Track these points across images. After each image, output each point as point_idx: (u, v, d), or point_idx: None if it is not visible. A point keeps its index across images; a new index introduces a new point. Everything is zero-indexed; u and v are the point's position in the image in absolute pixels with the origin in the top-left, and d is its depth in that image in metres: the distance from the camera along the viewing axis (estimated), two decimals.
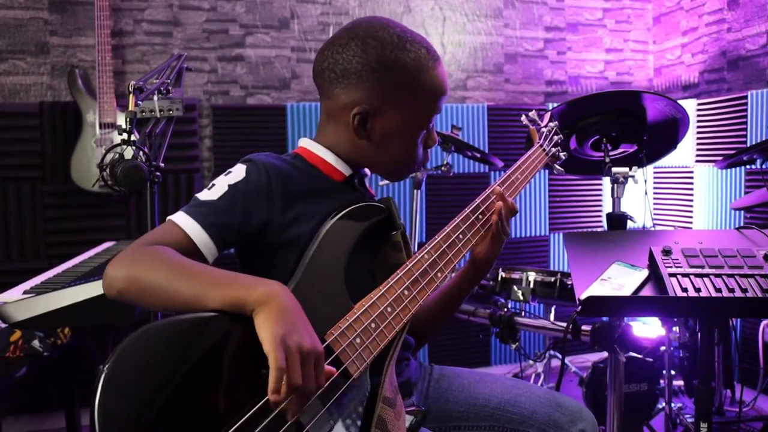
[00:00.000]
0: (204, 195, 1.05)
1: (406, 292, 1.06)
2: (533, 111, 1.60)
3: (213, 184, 1.07)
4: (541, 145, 1.50)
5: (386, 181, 2.73)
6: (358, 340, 0.98)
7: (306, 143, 1.19)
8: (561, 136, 1.58)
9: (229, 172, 1.08)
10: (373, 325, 1.00)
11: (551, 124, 1.57)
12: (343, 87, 1.12)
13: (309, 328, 0.90)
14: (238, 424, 0.84)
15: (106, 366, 0.78)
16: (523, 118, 1.57)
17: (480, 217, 1.22)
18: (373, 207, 1.12)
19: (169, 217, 1.03)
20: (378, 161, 1.19)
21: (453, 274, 1.31)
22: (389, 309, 1.03)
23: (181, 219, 1.01)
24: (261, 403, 0.85)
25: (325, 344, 0.94)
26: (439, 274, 1.11)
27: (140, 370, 0.80)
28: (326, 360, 0.92)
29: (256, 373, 0.87)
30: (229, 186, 1.05)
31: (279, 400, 0.84)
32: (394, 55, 1.11)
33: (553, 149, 1.54)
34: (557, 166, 1.58)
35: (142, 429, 0.79)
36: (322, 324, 0.96)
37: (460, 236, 1.17)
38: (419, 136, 1.19)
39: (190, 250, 0.99)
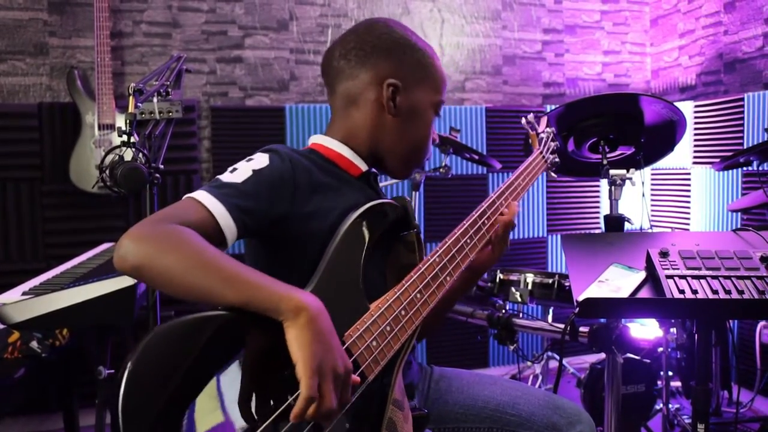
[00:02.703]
0: (227, 177, 1.02)
1: (418, 296, 1.06)
2: (531, 114, 1.62)
3: (235, 168, 1.04)
4: (541, 152, 1.53)
5: (385, 183, 2.74)
6: (374, 343, 0.98)
7: (320, 139, 1.20)
8: (558, 142, 1.60)
9: (251, 158, 1.06)
10: (388, 328, 1.00)
11: (548, 129, 1.59)
12: (373, 62, 1.17)
13: (340, 346, 0.89)
14: (262, 427, 0.84)
15: (131, 359, 0.77)
16: (523, 120, 1.61)
17: (486, 222, 1.24)
18: (390, 205, 1.12)
19: (188, 195, 0.98)
20: (396, 144, 1.21)
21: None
22: (403, 312, 1.03)
23: (205, 198, 0.96)
24: (283, 407, 0.86)
25: (344, 346, 0.94)
26: (448, 278, 1.12)
27: (163, 366, 0.79)
28: None
29: (280, 373, 0.86)
30: (254, 171, 1.02)
31: (302, 421, 0.84)
32: (414, 38, 1.21)
33: (550, 156, 1.57)
34: (552, 173, 1.62)
35: (164, 423, 0.79)
36: (340, 324, 0.96)
37: (468, 240, 1.19)
38: (432, 122, 1.24)
39: (213, 232, 0.94)
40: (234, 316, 0.86)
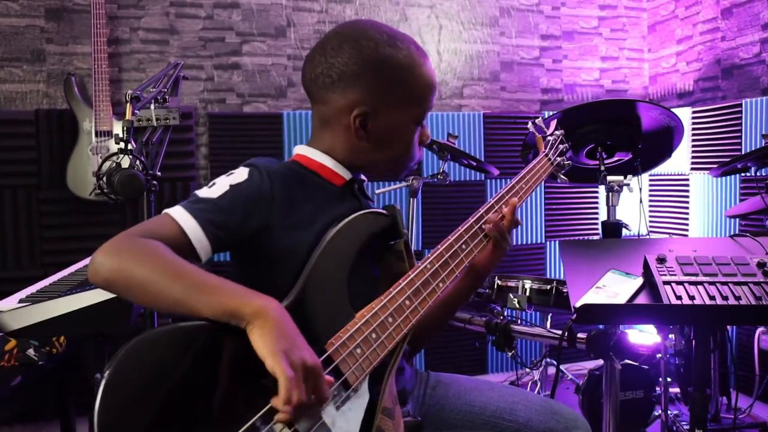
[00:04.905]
0: (204, 192, 1.04)
1: (407, 303, 1.05)
2: (539, 118, 1.59)
3: (213, 183, 1.05)
4: (546, 155, 1.49)
5: (383, 190, 2.74)
6: (358, 351, 0.97)
7: (303, 150, 1.19)
8: (568, 144, 1.56)
9: (231, 173, 1.07)
10: (373, 335, 0.99)
11: (557, 132, 1.55)
12: (341, 90, 1.12)
13: (305, 343, 0.89)
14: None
15: (106, 373, 0.78)
16: (530, 124, 1.57)
17: (483, 226, 1.23)
18: (378, 214, 1.11)
19: (165, 210, 1.00)
20: (378, 161, 1.19)
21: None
22: (390, 319, 1.02)
23: (179, 213, 0.99)
24: (263, 411, 0.85)
25: (325, 354, 0.94)
26: (440, 285, 1.11)
27: (139, 377, 0.80)
28: (326, 370, 0.92)
29: (254, 383, 0.86)
30: (231, 186, 1.04)
31: (289, 412, 0.82)
32: (387, 52, 1.12)
33: (559, 158, 1.53)
34: (561, 176, 1.57)
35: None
36: (324, 333, 0.95)
37: (463, 246, 1.17)
38: (416, 132, 1.19)
39: (184, 246, 0.97)
40: (210, 325, 0.87)
